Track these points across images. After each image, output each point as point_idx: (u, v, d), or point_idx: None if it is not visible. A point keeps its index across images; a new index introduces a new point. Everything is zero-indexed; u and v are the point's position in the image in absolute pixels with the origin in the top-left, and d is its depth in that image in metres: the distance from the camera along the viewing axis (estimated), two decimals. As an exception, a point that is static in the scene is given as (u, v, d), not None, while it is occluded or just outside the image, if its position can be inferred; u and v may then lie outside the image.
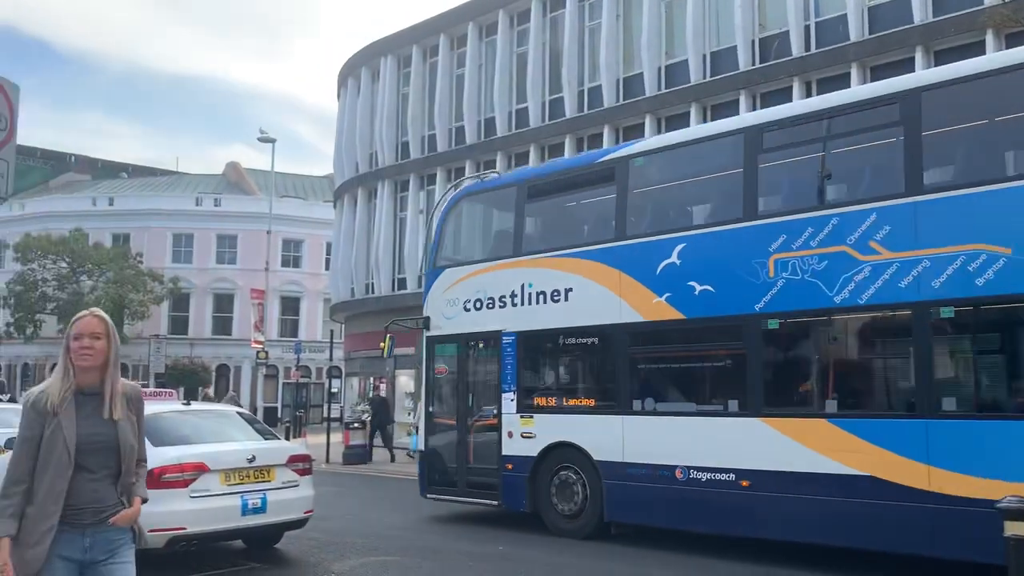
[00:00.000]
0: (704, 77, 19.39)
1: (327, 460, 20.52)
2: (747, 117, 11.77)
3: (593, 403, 10.22)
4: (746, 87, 18.43)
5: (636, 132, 20.39)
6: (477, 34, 24.64)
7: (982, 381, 7.64)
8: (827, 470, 7.92)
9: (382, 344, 13.12)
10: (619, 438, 9.60)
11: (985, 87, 7.76)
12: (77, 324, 3.58)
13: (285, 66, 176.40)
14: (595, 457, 9.81)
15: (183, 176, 60.86)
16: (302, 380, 37.44)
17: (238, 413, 9.95)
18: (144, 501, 3.73)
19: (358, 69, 28.82)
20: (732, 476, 8.59)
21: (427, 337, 11.90)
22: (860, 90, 10.50)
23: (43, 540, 3.36)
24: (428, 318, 11.87)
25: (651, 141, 11.50)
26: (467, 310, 11.32)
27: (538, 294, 10.52)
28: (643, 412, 9.50)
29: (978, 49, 14.28)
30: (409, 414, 25.91)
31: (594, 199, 10.86)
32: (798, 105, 12.12)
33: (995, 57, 9.47)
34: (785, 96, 17.88)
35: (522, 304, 10.65)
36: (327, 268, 39.83)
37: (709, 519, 8.86)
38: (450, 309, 11.53)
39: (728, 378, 9.13)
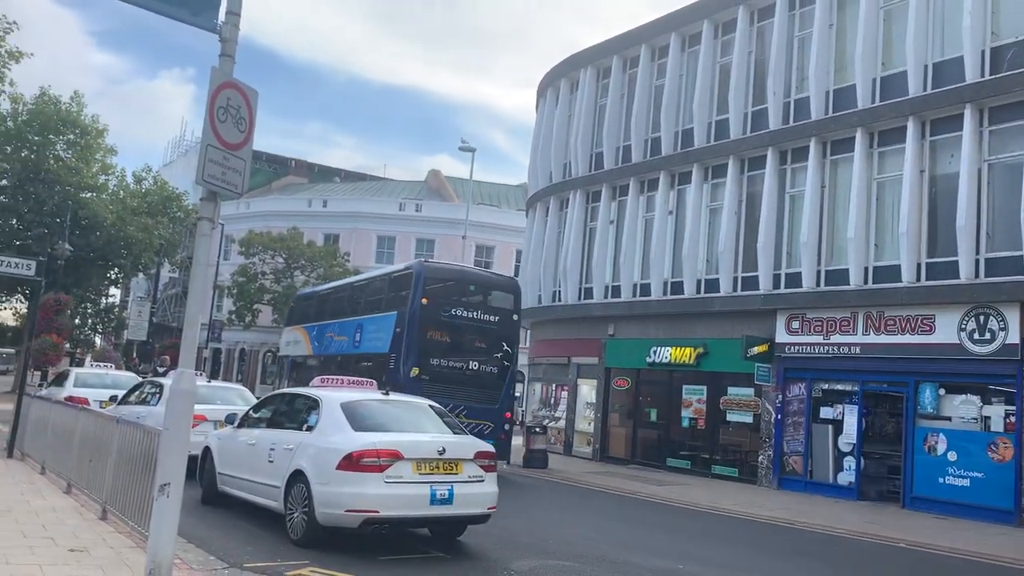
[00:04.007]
0: (924, 90, 18.06)
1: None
2: (323, 288, 27.36)
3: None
4: (972, 100, 16.97)
5: (845, 147, 19.34)
6: (679, 45, 24.34)
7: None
8: None
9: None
10: None
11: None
12: None
13: (487, 77, 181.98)
14: None
15: (388, 182, 64.46)
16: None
17: (430, 406, 10.31)
18: None
19: (557, 80, 29.28)
20: None
21: (278, 356, 26.99)
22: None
23: None
24: (279, 347, 27.19)
25: (322, 287, 28.10)
26: (286, 344, 25.40)
27: (295, 341, 24.38)
28: None
29: None
30: (589, 424, 25.98)
31: (311, 305, 24.94)
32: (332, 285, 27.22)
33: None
34: (1019, 111, 16.32)
35: (291, 344, 24.77)
36: (516, 274, 40.73)
37: None
38: (284, 344, 25.83)
39: (319, 374, 17.75)
